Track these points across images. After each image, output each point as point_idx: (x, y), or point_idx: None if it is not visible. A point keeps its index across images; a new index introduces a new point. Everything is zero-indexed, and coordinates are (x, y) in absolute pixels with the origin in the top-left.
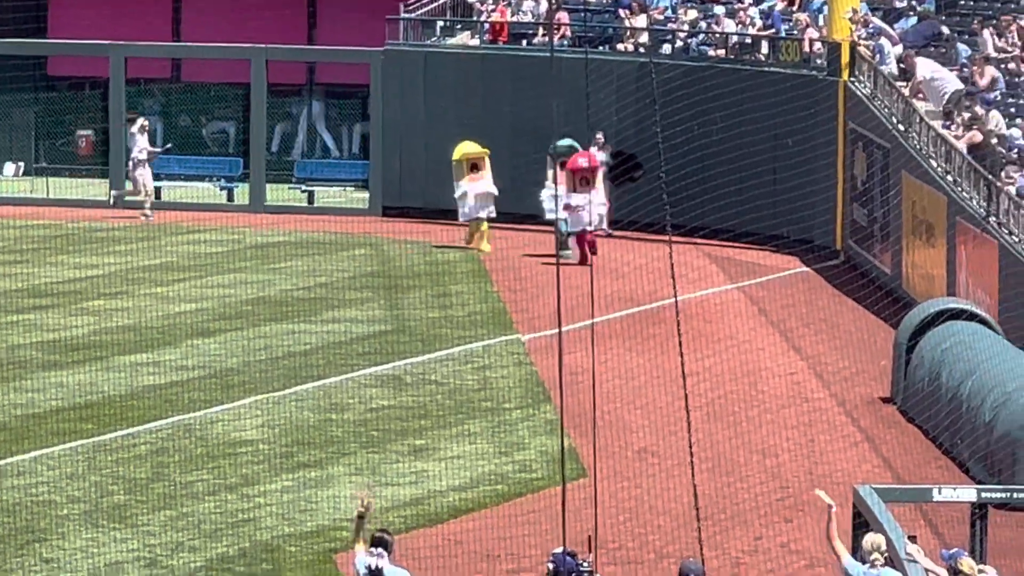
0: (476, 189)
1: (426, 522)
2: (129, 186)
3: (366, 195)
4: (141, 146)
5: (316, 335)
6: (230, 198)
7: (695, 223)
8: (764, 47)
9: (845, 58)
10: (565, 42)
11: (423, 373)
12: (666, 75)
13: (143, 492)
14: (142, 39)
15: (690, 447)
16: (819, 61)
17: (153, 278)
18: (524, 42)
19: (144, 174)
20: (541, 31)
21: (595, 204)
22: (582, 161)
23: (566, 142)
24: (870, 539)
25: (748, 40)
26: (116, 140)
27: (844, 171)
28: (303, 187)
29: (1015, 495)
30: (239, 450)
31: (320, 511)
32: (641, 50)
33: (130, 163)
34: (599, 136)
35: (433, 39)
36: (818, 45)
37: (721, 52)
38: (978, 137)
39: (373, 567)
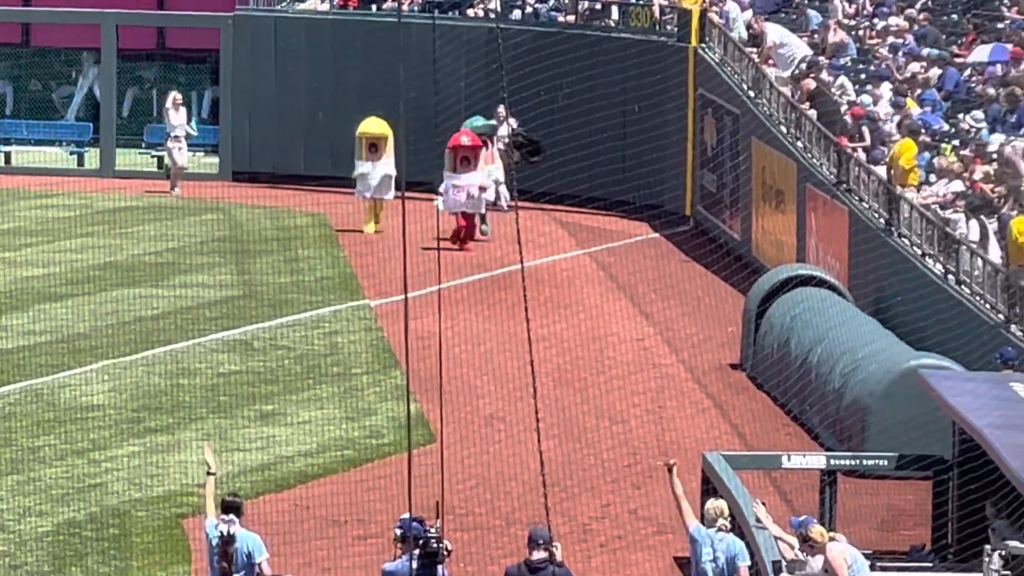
0: (377, 171)
1: (274, 487)
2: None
3: (216, 160)
4: (176, 122)
5: (165, 300)
6: (80, 163)
7: (544, 188)
8: (614, 13)
9: (695, 24)
10: (414, 7)
11: (272, 338)
12: (515, 40)
13: None
14: None
15: (536, 413)
16: (669, 27)
17: (1, 243)
18: (373, 7)
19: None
20: None
21: (473, 186)
22: (464, 139)
23: (478, 120)
24: (712, 505)
25: (598, 6)
26: None
27: (694, 137)
28: (153, 152)
29: (864, 462)
30: (88, 415)
31: (169, 476)
32: (490, 16)
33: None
34: (500, 110)
35: (283, 4)
36: (668, 11)
37: (571, 18)
38: (811, 84)
39: (225, 533)
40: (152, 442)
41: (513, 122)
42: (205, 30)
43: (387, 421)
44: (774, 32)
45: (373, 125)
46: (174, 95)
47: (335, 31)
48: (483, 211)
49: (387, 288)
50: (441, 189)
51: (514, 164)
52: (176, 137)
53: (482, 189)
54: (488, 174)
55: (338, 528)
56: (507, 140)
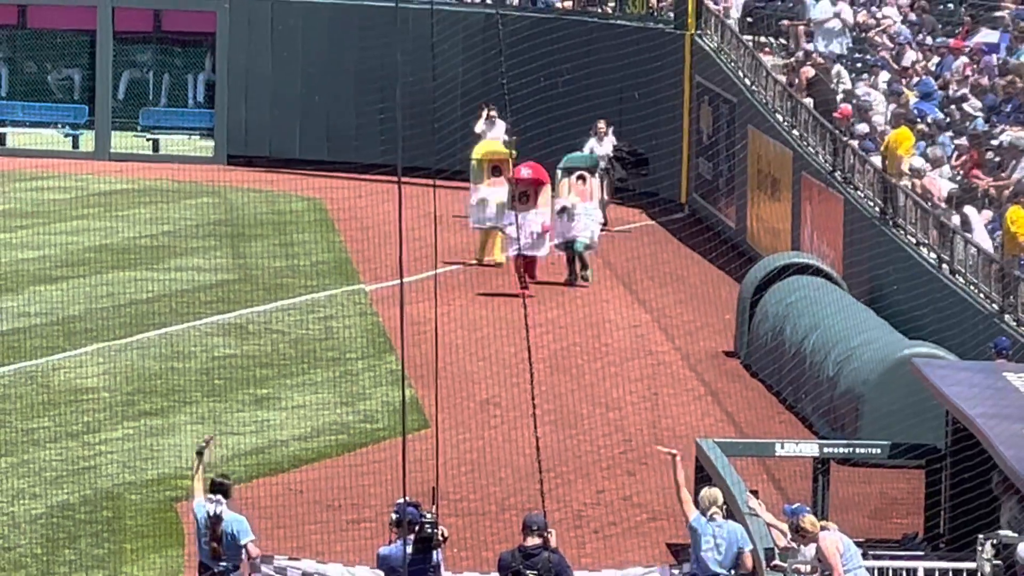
0: (497, 196)
1: (268, 471)
2: None
3: (211, 143)
4: None
5: (160, 283)
6: (75, 145)
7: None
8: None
9: (692, 11)
10: None
11: (267, 322)
12: (513, 26)
13: None
14: None
15: (532, 399)
16: (666, 14)
17: None
18: None
19: None
20: None
21: (534, 223)
22: (525, 172)
23: (577, 156)
24: (706, 494)
25: None
26: None
27: (690, 125)
28: (148, 135)
29: (857, 450)
30: (82, 397)
31: (162, 459)
32: (488, 0)
33: None
34: (600, 124)
35: None
36: None
37: (568, 4)
38: (810, 72)
39: (212, 513)
40: (146, 425)
41: (613, 138)
42: (202, 13)
43: (381, 406)
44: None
45: (493, 146)
46: None
47: (332, 15)
48: (545, 253)
49: (383, 273)
50: (505, 222)
51: (618, 181)
52: None
53: (545, 230)
54: (586, 211)
55: (331, 512)
56: (610, 155)
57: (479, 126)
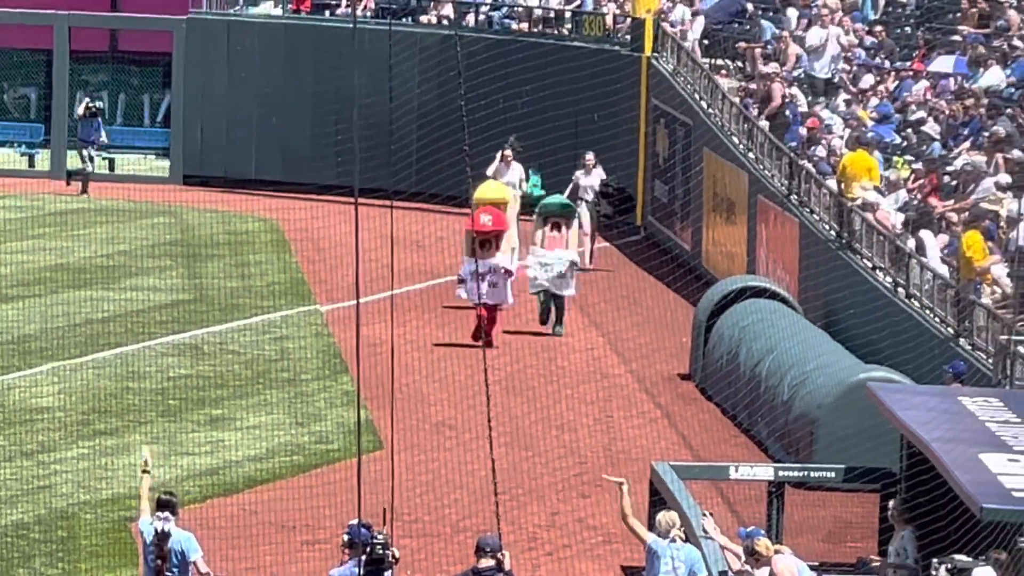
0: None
1: (222, 492)
2: None
3: (167, 163)
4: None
5: (115, 303)
6: (31, 164)
7: None
8: (568, 22)
9: (648, 34)
10: (368, 13)
11: (221, 343)
12: (470, 48)
13: None
14: None
15: (488, 421)
16: (623, 37)
17: None
18: (327, 12)
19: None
20: (344, 1)
21: (497, 272)
22: (485, 219)
23: (554, 200)
24: (664, 517)
25: (551, 14)
26: None
27: (646, 147)
28: (104, 154)
29: (812, 474)
30: (36, 417)
31: (117, 479)
32: (445, 22)
33: None
34: (588, 157)
35: (236, 8)
36: (620, 20)
37: (524, 26)
38: (779, 100)
39: (160, 530)
40: (100, 445)
41: (601, 171)
42: (158, 32)
43: (335, 427)
44: None
45: (492, 191)
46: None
47: (288, 35)
48: (509, 300)
49: (338, 294)
50: (460, 274)
51: (603, 218)
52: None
53: (507, 274)
54: (559, 260)
55: (285, 533)
56: (596, 190)
57: (492, 168)
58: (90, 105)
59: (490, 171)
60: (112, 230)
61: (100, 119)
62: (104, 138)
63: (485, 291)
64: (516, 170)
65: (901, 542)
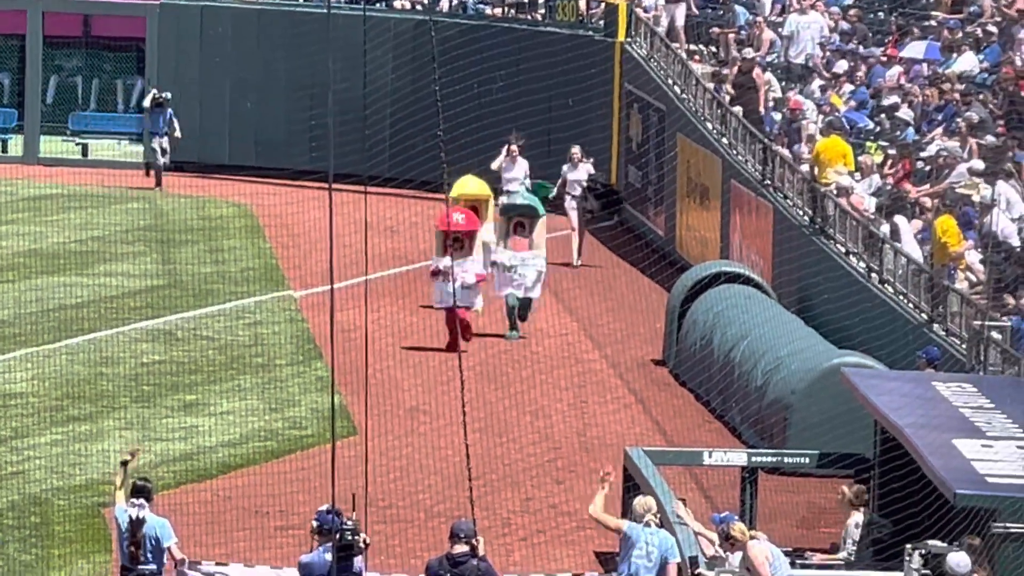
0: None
1: (196, 477)
2: None
3: (140, 149)
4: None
5: (88, 288)
6: (3, 150)
7: None
8: (542, 7)
9: (622, 19)
10: None
11: (195, 328)
12: (444, 33)
13: None
14: None
15: (463, 406)
16: (596, 22)
17: None
18: None
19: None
20: None
21: (468, 273)
22: (457, 217)
23: (521, 199)
24: (640, 501)
25: (526, 0)
26: None
27: (619, 133)
28: (77, 140)
29: (786, 460)
30: (9, 402)
31: (90, 465)
32: (419, 8)
33: None
34: (575, 151)
35: None
36: (594, 5)
37: (498, 11)
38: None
39: (134, 517)
40: (74, 431)
41: (589, 166)
42: (131, 18)
43: (309, 413)
44: None
45: (472, 186)
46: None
47: (262, 21)
48: (478, 306)
49: (311, 279)
50: (434, 265)
51: (589, 215)
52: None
53: (479, 279)
54: (523, 263)
55: (259, 519)
56: (584, 185)
57: (497, 162)
58: (157, 96)
59: (495, 165)
60: (86, 216)
61: (171, 110)
62: (177, 131)
63: (459, 293)
64: (522, 166)
65: (847, 531)
